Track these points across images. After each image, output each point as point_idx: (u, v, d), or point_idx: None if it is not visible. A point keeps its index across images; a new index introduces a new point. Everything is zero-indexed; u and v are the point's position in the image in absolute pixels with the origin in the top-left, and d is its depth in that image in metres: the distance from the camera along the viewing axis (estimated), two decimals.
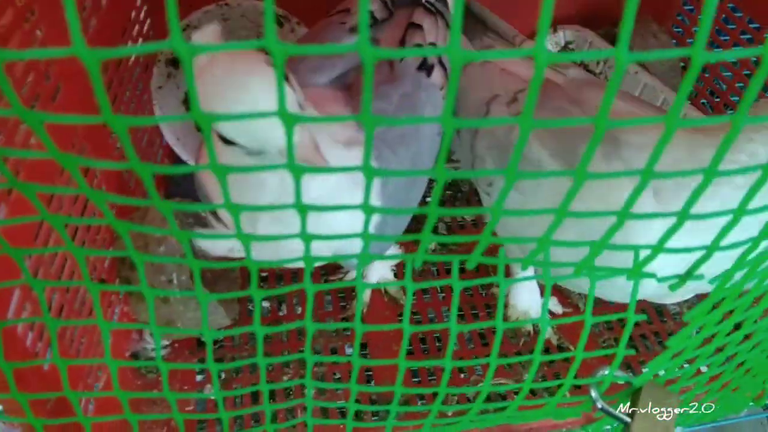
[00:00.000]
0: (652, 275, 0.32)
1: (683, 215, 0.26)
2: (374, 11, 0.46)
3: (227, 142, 0.34)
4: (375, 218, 0.41)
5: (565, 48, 0.74)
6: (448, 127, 0.21)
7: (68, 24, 0.18)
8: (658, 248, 0.29)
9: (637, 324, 0.63)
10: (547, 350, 0.59)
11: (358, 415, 0.53)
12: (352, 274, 0.61)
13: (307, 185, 0.38)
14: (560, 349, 0.59)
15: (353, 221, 0.30)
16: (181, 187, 0.64)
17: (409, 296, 0.33)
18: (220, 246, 0.41)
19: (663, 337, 0.62)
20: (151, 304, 0.32)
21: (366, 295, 0.61)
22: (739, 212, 0.26)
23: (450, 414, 0.50)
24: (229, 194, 0.24)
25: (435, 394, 0.54)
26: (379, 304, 0.61)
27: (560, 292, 0.62)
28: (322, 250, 0.42)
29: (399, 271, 0.63)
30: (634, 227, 0.41)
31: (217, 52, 0.32)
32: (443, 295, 0.63)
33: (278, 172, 0.36)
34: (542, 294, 0.62)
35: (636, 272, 0.32)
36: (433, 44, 0.45)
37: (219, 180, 0.23)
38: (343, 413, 0.53)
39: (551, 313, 0.61)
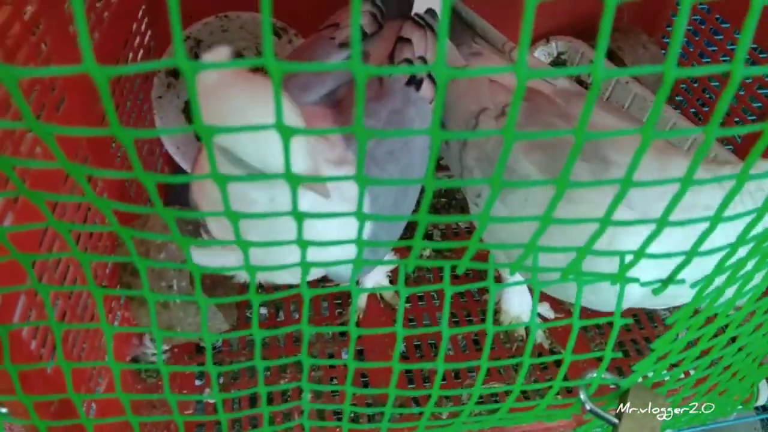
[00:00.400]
0: (635, 280, 0.33)
1: (662, 222, 0.27)
2: (363, 25, 0.47)
3: (236, 161, 0.34)
4: (366, 232, 0.42)
5: (558, 58, 0.75)
6: (436, 139, 0.22)
7: (79, 42, 0.19)
8: (640, 253, 0.30)
9: (628, 329, 0.64)
10: (539, 355, 0.60)
11: (354, 419, 0.54)
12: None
13: (298, 202, 0.38)
14: (552, 353, 0.60)
15: (341, 235, 0.31)
16: (181, 195, 0.65)
17: (402, 300, 0.34)
18: (213, 263, 0.42)
19: (654, 341, 0.63)
20: (153, 308, 0.33)
21: (362, 301, 0.62)
22: (716, 220, 0.28)
23: (444, 416, 0.51)
24: (229, 204, 0.25)
25: (429, 398, 0.55)
26: (375, 310, 0.62)
27: (553, 298, 0.63)
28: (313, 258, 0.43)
29: (395, 278, 0.64)
30: (620, 243, 0.42)
31: (223, 78, 0.33)
32: (438, 301, 0.64)
33: (269, 192, 0.37)
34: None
35: (620, 277, 0.33)
36: (422, 58, 0.46)
37: (219, 189, 0.24)
38: (338, 417, 0.54)
39: (544, 318, 0.62)
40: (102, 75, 0.20)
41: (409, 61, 0.45)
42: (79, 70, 0.19)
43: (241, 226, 0.27)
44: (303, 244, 0.29)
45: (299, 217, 0.27)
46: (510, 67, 0.20)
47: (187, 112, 0.67)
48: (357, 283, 0.65)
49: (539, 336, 0.61)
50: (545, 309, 0.63)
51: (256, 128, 0.22)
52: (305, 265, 0.31)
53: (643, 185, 0.25)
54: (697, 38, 0.73)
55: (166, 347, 0.56)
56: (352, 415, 0.53)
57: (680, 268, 0.32)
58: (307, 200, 0.38)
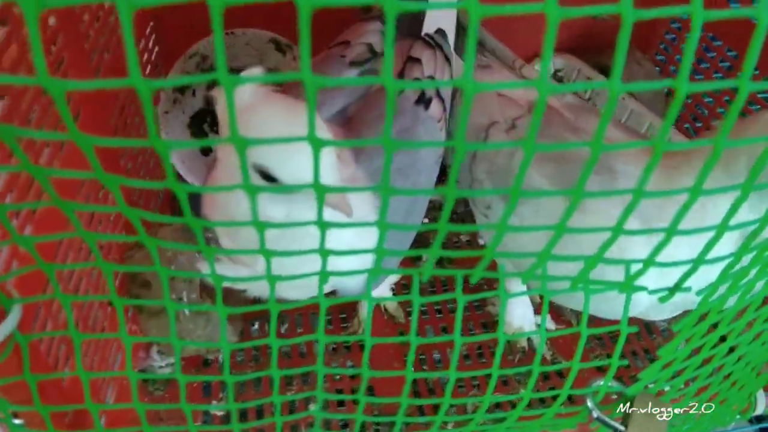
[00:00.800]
0: (643, 288, 0.34)
1: (671, 232, 0.28)
2: (374, 44, 0.48)
3: (267, 178, 0.35)
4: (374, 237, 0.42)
5: (554, 75, 0.77)
6: (460, 149, 0.23)
7: (127, 60, 0.20)
8: (649, 262, 0.31)
9: (627, 340, 0.65)
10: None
11: (361, 430, 0.54)
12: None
13: (311, 217, 0.39)
14: (554, 364, 0.61)
15: (353, 246, 0.32)
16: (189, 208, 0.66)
17: (415, 310, 0.35)
18: (231, 275, 0.42)
19: (653, 352, 0.64)
20: (173, 318, 0.34)
21: (366, 313, 0.63)
22: (722, 229, 0.29)
23: (450, 426, 0.52)
24: (257, 214, 0.26)
25: (436, 408, 0.55)
26: (379, 322, 0.63)
27: (554, 309, 0.64)
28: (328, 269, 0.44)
29: (398, 291, 0.65)
30: (629, 252, 0.43)
31: (256, 97, 0.34)
32: (441, 315, 0.65)
33: (286, 207, 0.38)
34: (536, 311, 0.64)
35: (628, 286, 0.34)
36: (431, 77, 0.48)
37: (249, 199, 0.25)
38: (343, 426, 0.55)
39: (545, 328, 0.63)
40: (146, 87, 0.21)
41: (418, 81, 0.47)
42: (126, 83, 0.20)
43: (257, 239, 0.28)
44: (324, 252, 0.30)
45: (323, 226, 0.28)
46: (532, 81, 0.21)
47: (193, 127, 0.68)
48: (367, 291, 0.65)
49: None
50: (547, 320, 0.64)
51: (289, 140, 0.23)
52: (324, 274, 0.32)
53: (655, 195, 0.26)
54: None
55: (173, 360, 0.57)
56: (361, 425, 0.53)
57: (687, 275, 0.33)
58: (323, 216, 0.38)
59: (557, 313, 0.65)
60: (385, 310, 0.63)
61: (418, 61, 0.47)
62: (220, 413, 0.56)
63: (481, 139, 0.51)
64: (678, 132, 0.70)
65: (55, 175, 0.25)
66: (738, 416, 0.60)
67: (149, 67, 0.62)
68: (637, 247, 0.43)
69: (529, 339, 0.62)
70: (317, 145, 0.23)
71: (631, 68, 0.73)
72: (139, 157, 0.59)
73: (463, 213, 0.73)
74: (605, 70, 0.75)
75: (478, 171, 0.50)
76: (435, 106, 0.47)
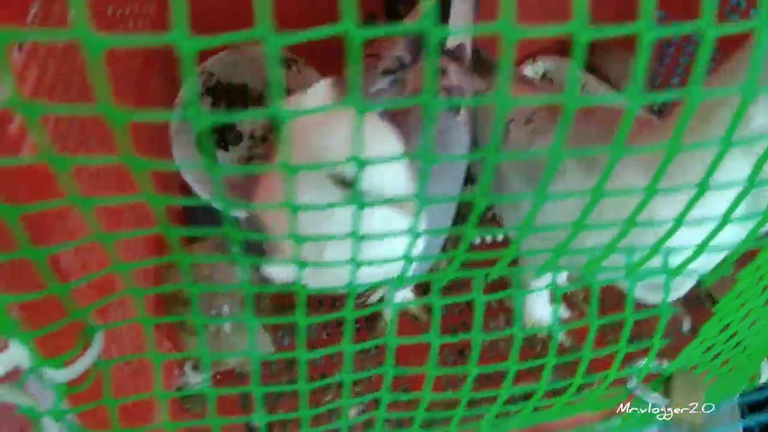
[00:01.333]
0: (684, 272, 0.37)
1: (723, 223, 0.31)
2: (401, 56, 0.51)
3: (342, 183, 0.36)
4: (422, 244, 0.44)
5: (544, 76, 0.80)
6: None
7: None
8: (700, 250, 0.34)
9: (633, 323, 0.68)
10: (561, 352, 0.64)
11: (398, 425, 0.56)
12: (375, 296, 0.64)
13: (370, 217, 0.41)
14: (572, 350, 0.64)
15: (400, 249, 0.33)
16: (200, 218, 0.66)
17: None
18: (284, 273, 0.43)
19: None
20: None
21: (388, 315, 0.65)
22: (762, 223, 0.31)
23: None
24: (358, 231, 0.28)
25: (475, 402, 0.57)
26: (403, 322, 0.65)
27: (567, 297, 0.68)
28: (378, 274, 0.45)
29: (417, 292, 0.67)
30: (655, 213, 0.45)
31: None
32: (459, 308, 0.67)
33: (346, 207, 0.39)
34: (552, 301, 0.67)
35: (675, 271, 0.37)
36: (459, 86, 0.51)
37: (354, 216, 0.27)
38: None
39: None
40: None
41: (447, 89, 0.50)
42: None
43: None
44: (409, 259, 0.31)
45: (415, 235, 0.29)
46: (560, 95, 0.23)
47: (200, 144, 0.68)
48: (383, 299, 0.66)
49: (560, 336, 0.65)
50: (560, 308, 0.67)
51: (400, 158, 0.25)
52: (400, 279, 0.34)
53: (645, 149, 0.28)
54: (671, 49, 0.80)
55: (207, 375, 0.57)
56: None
57: (727, 262, 0.36)
58: (379, 216, 0.40)
59: (572, 300, 0.68)
60: (406, 311, 0.65)
61: (444, 72, 0.50)
62: (258, 424, 0.57)
63: (501, 135, 0.53)
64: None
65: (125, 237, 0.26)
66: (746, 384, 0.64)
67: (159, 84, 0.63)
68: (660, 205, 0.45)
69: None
70: (428, 160, 0.25)
71: (618, 67, 0.77)
72: (152, 174, 0.60)
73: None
74: (593, 69, 0.79)
75: (502, 165, 0.52)
76: (463, 112, 0.50)
